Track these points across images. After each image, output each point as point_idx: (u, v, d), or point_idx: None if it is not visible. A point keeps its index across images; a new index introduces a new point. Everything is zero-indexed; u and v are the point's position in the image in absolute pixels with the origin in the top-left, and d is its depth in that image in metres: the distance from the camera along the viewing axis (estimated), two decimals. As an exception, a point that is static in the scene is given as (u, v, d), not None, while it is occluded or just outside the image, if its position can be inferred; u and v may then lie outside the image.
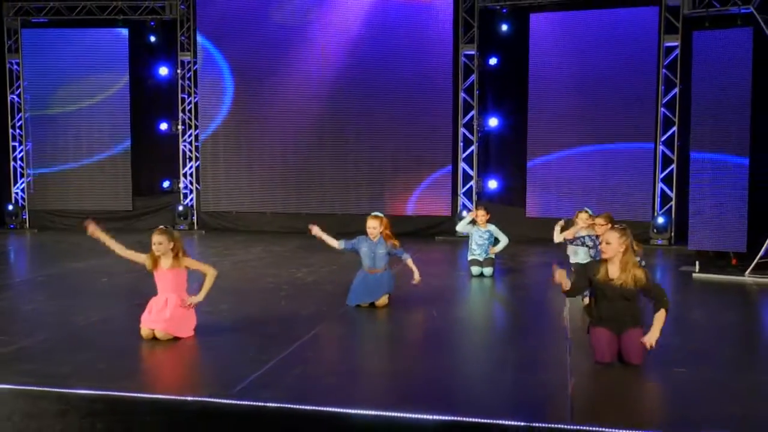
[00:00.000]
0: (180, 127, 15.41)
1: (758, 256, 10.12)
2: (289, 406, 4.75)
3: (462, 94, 14.48)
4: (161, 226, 6.72)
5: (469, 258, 10.01)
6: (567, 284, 5.81)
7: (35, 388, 5.19)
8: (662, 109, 13.22)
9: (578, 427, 4.34)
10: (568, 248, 9.11)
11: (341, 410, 4.65)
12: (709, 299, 8.71)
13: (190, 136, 15.49)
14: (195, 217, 15.46)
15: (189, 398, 4.97)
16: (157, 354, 6.11)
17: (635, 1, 13.21)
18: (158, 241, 6.49)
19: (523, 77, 13.97)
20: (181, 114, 15.43)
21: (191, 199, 15.52)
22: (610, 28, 13.28)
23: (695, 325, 7.37)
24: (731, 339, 6.95)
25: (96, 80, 15.22)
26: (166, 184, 15.64)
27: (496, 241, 10.02)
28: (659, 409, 5.02)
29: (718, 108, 10.63)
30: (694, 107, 11.00)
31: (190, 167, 15.55)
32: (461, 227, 10.27)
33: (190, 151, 15.53)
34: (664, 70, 13.13)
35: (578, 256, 9.08)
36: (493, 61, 14.40)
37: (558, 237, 9.08)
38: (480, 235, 9.94)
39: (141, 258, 6.67)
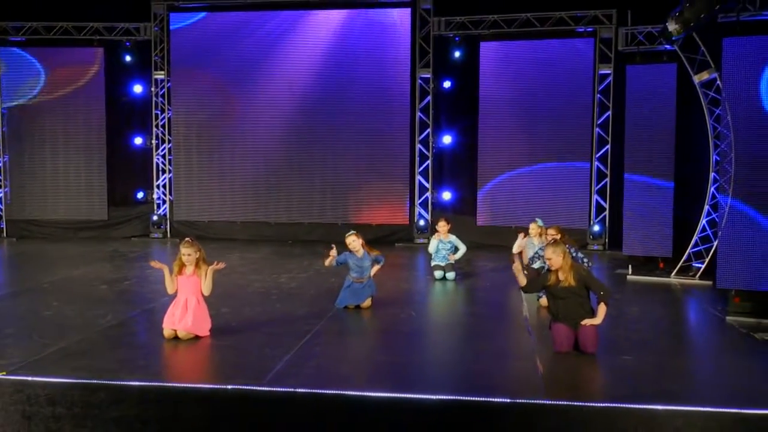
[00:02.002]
0: (154, 141, 16.23)
1: (681, 261, 11.61)
2: (315, 391, 5.88)
3: (418, 114, 15.61)
4: (188, 239, 7.74)
5: (432, 264, 11.21)
6: (522, 280, 7.14)
7: (92, 381, 6.14)
8: (597, 129, 14.73)
9: (551, 402, 5.64)
10: (524, 255, 10.49)
11: (360, 393, 5.81)
12: (642, 298, 10.07)
13: (163, 149, 16.32)
14: (168, 226, 16.29)
15: (229, 387, 6.04)
16: (186, 351, 7.11)
17: (573, 34, 14.68)
18: (188, 252, 7.54)
19: (474, 99, 15.24)
20: (155, 129, 16.25)
21: (164, 209, 16.35)
22: (551, 57, 14.73)
23: (633, 319, 8.74)
24: (663, 330, 8.35)
25: (73, 97, 15.91)
26: (140, 195, 16.42)
27: (456, 249, 11.22)
28: (613, 386, 6.28)
29: (648, 135, 11.88)
30: (628, 134, 12.27)
31: (163, 179, 16.38)
32: (431, 248, 11.27)
33: (163, 163, 16.37)
34: (598, 95, 14.64)
35: (534, 264, 10.50)
36: (446, 84, 15.56)
37: (516, 249, 10.56)
38: (443, 246, 11.12)
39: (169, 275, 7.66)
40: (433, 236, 11.40)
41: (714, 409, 5.52)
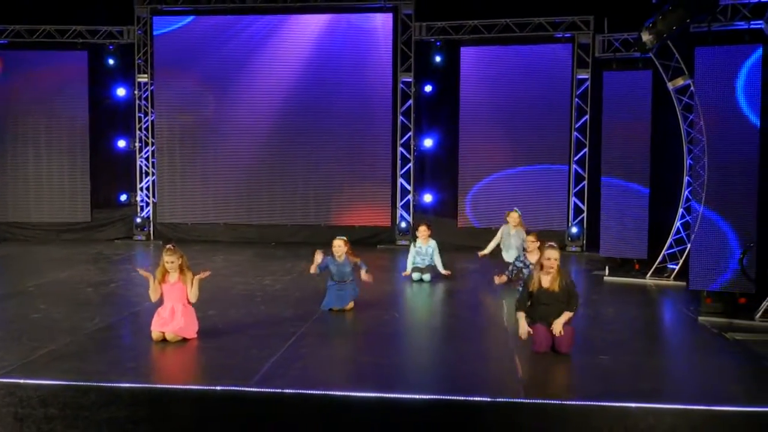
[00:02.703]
0: (137, 144, 16.32)
1: (656, 262, 11.92)
2: (302, 391, 6.06)
3: (400, 117, 15.84)
4: (170, 246, 7.86)
5: (410, 267, 11.42)
6: (524, 329, 7.32)
7: (83, 383, 6.26)
8: (575, 133, 15.04)
9: (530, 401, 5.87)
10: (502, 248, 10.84)
11: (346, 393, 6.01)
12: (618, 298, 10.33)
13: (146, 152, 16.42)
14: (152, 228, 16.38)
15: (217, 388, 6.21)
16: (174, 353, 7.25)
17: (552, 40, 14.97)
18: (170, 260, 7.67)
19: (455, 103, 15.50)
20: (138, 132, 16.34)
21: (148, 212, 16.44)
22: (530, 62, 15.03)
23: (609, 320, 9.00)
24: (637, 330, 8.61)
25: (56, 100, 15.97)
26: (123, 197, 16.50)
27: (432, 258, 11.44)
28: (589, 385, 6.50)
29: (625, 139, 12.16)
30: (604, 138, 12.54)
31: (147, 181, 16.48)
32: (409, 261, 11.52)
33: (147, 166, 16.46)
34: (576, 100, 14.95)
35: (509, 254, 10.85)
36: (428, 88, 15.79)
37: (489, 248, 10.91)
38: (420, 258, 11.34)
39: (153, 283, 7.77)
40: (412, 245, 11.58)
41: (684, 406, 5.77)
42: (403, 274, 11.55)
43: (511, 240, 11.79)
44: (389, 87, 15.67)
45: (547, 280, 7.25)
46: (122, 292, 10.62)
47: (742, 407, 5.81)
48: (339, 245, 9.22)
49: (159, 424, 6.00)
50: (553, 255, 7.23)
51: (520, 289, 7.66)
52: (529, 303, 7.36)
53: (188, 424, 6.05)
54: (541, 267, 7.31)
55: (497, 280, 10.94)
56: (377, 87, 15.67)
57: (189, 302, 7.75)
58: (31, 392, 6.11)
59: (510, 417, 5.83)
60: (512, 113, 15.17)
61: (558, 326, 7.11)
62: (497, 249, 12.01)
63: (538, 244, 9.93)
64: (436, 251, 11.42)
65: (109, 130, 16.42)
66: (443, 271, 11.37)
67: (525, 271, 10.01)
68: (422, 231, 11.47)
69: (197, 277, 7.71)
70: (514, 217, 11.40)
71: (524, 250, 10.89)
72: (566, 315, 7.19)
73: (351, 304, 9.17)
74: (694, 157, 10.69)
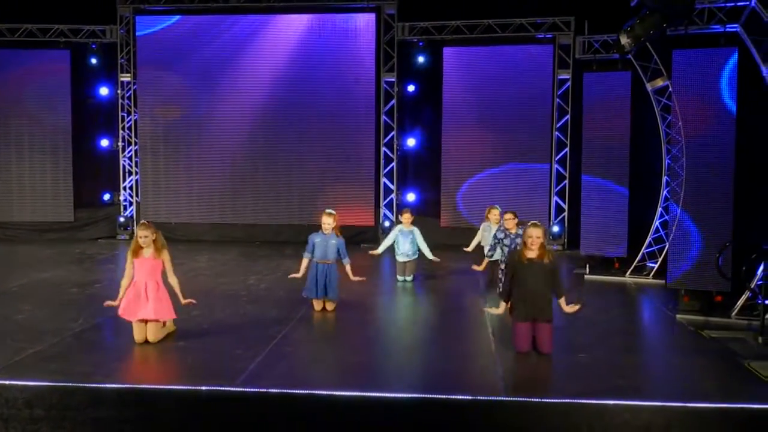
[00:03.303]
0: (120, 143, 16.32)
1: (636, 261, 12.10)
2: (287, 391, 6.14)
3: (383, 117, 15.93)
4: (144, 221, 7.81)
5: (398, 260, 11.43)
6: (502, 307, 7.49)
7: (69, 384, 6.33)
8: (556, 132, 15.21)
9: (511, 399, 5.99)
10: (484, 245, 10.93)
11: (331, 393, 6.10)
12: (598, 297, 10.48)
13: (129, 151, 16.42)
14: (135, 228, 16.32)
15: (203, 388, 6.28)
16: (159, 354, 7.30)
17: (533, 40, 15.13)
18: (144, 234, 7.55)
19: (438, 103, 15.62)
20: (121, 131, 16.33)
21: (131, 211, 16.44)
22: (512, 62, 15.18)
23: (589, 318, 9.05)
24: (616, 329, 8.75)
25: (39, 99, 15.92)
26: (106, 196, 16.48)
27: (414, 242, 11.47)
28: (568, 383, 6.62)
29: (605, 139, 12.31)
30: (585, 138, 12.68)
31: (130, 181, 16.48)
32: (387, 242, 11.59)
33: (130, 165, 16.46)
34: (557, 100, 15.12)
35: (495, 254, 10.91)
36: (411, 87, 15.90)
37: (472, 245, 11.00)
38: (404, 236, 11.37)
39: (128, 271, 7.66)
40: (396, 227, 11.65)
41: (660, 403, 5.91)
42: (371, 252, 11.56)
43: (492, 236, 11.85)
44: (372, 87, 15.75)
45: (531, 254, 7.25)
46: (107, 292, 10.54)
47: (717, 404, 5.96)
48: (328, 222, 9.15)
49: (145, 424, 6.07)
50: (535, 233, 7.19)
51: (502, 276, 7.70)
52: (511, 287, 7.36)
53: (174, 424, 6.12)
54: (525, 246, 7.32)
55: (475, 267, 10.95)
56: (360, 87, 15.75)
57: (162, 280, 7.65)
58: (16, 393, 6.15)
59: (491, 415, 5.95)
60: (494, 113, 15.32)
61: (570, 308, 7.28)
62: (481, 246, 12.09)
63: (516, 221, 10.00)
64: (419, 236, 11.42)
65: (92, 130, 16.40)
66: (432, 257, 11.27)
67: (506, 241, 9.91)
68: (406, 216, 11.55)
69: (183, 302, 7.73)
70: (495, 213, 11.46)
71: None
72: (563, 302, 7.28)
73: (333, 305, 9.19)
74: (673, 157, 10.86)
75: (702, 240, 9.33)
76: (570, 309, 7.29)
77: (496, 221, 11.08)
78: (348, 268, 9.30)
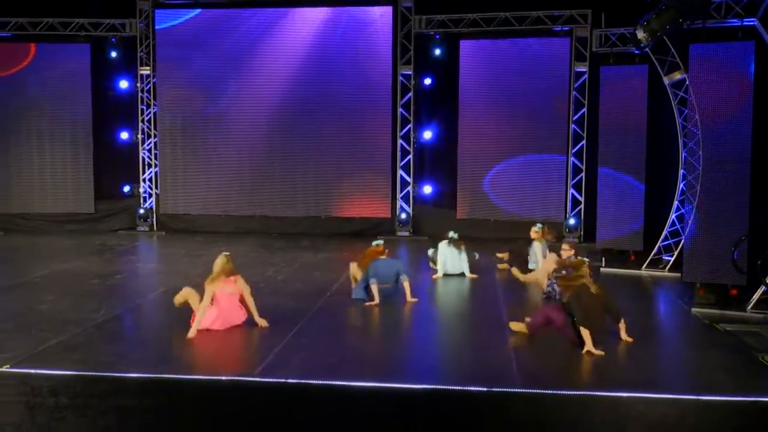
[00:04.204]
0: (140, 136, 16.49)
1: (652, 254, 12.12)
2: (304, 381, 6.27)
3: (400, 110, 15.98)
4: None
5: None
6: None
7: (92, 373, 6.49)
8: (573, 125, 15.20)
9: (526, 390, 6.08)
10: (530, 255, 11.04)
11: (347, 383, 6.21)
12: (614, 289, 10.36)
13: (149, 144, 16.59)
14: (155, 219, 16.57)
15: (223, 377, 6.43)
16: (179, 344, 7.42)
17: (550, 33, 15.12)
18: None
19: (454, 95, 15.64)
20: (140, 124, 16.50)
21: (151, 203, 16.62)
22: (529, 55, 15.17)
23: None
24: (632, 322, 8.69)
25: (60, 92, 16.10)
26: (126, 188, 16.66)
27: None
28: (584, 376, 6.73)
29: (621, 132, 12.33)
30: (601, 130, 12.72)
31: (149, 173, 16.65)
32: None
33: (149, 158, 16.63)
34: (574, 92, 15.10)
35: (536, 262, 11.00)
36: (427, 80, 15.92)
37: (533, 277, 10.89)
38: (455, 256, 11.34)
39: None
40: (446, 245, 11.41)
41: (674, 396, 5.98)
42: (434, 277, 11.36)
43: (536, 250, 11.83)
44: (389, 80, 15.80)
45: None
46: (127, 283, 10.85)
47: (731, 397, 6.02)
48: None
49: (166, 413, 6.20)
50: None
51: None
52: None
53: (194, 412, 6.24)
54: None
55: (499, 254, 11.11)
56: (377, 79, 15.80)
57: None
58: (42, 382, 6.31)
59: (505, 406, 6.03)
60: (511, 106, 15.32)
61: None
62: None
63: (572, 252, 10.02)
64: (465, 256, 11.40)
65: (112, 122, 16.57)
66: (469, 275, 11.25)
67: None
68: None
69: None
70: (534, 232, 11.71)
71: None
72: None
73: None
74: (689, 150, 10.86)
75: (718, 234, 9.33)
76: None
77: (538, 238, 11.34)
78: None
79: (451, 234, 11.41)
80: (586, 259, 8.01)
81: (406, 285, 9.44)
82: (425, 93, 16.08)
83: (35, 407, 6.18)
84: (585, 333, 7.17)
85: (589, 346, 7.12)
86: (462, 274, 11.21)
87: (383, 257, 9.52)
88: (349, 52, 15.81)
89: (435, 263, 11.36)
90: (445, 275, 11.15)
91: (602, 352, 7.12)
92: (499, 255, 11.81)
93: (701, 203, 9.51)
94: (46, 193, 16.45)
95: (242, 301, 8.05)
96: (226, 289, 7.91)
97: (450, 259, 11.28)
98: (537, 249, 11.48)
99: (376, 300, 9.16)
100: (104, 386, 6.36)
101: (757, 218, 9.22)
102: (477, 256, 11.48)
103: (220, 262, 8.01)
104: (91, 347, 7.26)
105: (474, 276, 11.20)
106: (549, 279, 9.68)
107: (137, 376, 6.44)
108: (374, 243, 9.81)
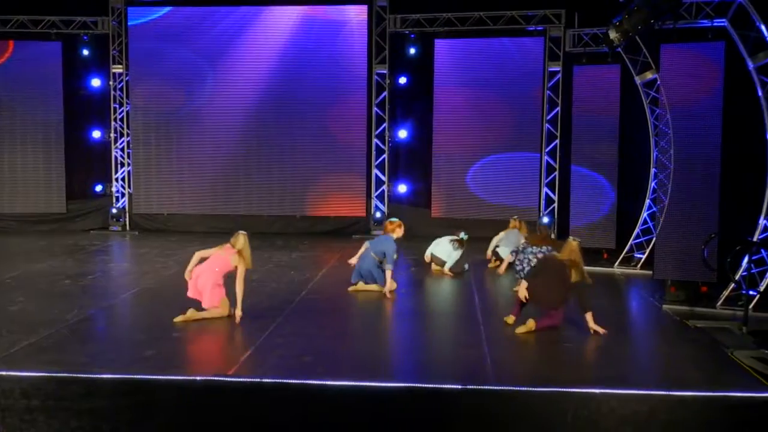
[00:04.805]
0: (112, 134, 16.33)
1: (624, 252, 12.26)
2: (281, 381, 6.25)
3: (375, 109, 15.98)
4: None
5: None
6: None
7: (65, 375, 6.40)
8: (546, 124, 15.31)
9: (500, 387, 6.12)
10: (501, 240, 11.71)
11: (323, 382, 6.21)
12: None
13: (122, 143, 16.44)
14: (128, 219, 16.42)
15: (197, 378, 6.39)
16: (153, 345, 7.34)
17: (524, 33, 15.22)
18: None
19: (429, 94, 15.67)
20: (113, 122, 16.34)
21: (123, 202, 16.47)
22: (503, 54, 15.26)
23: (577, 308, 9.23)
24: (604, 319, 8.78)
25: (30, 90, 15.89)
26: (98, 188, 16.48)
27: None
28: (557, 372, 6.73)
29: (594, 131, 12.50)
30: (575, 130, 12.85)
31: (122, 172, 16.50)
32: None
33: (122, 157, 16.48)
34: (548, 92, 15.21)
35: (505, 250, 11.19)
36: (402, 80, 15.93)
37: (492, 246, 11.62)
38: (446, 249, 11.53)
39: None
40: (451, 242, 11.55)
41: (645, 391, 6.05)
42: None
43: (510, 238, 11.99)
44: (364, 79, 15.79)
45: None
46: (100, 283, 10.73)
47: (701, 392, 6.10)
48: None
49: (140, 414, 6.17)
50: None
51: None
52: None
53: (169, 413, 6.22)
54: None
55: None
56: (352, 78, 15.78)
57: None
58: (12, 384, 6.23)
59: (480, 403, 6.07)
60: (485, 105, 15.39)
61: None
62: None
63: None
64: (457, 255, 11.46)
65: (84, 121, 16.38)
66: (448, 273, 11.33)
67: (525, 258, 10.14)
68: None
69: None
70: (513, 222, 12.14)
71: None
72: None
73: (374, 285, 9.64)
74: (661, 149, 11.01)
75: (688, 231, 9.46)
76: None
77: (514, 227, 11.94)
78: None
79: (462, 235, 11.51)
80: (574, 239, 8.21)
81: (388, 274, 9.48)
82: (400, 92, 16.11)
83: (6, 410, 6.13)
84: (521, 287, 7.85)
85: (521, 292, 7.79)
86: (442, 265, 11.40)
87: (385, 234, 9.72)
88: (324, 51, 15.78)
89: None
90: (432, 262, 11.56)
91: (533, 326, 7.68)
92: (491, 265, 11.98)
93: (672, 201, 9.64)
94: (17, 192, 16.21)
95: (219, 285, 8.24)
96: (221, 255, 8.26)
97: (441, 246, 11.47)
98: (511, 235, 11.63)
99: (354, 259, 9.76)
100: (77, 388, 6.28)
101: (727, 216, 9.37)
102: (467, 267, 11.53)
103: (242, 240, 8.30)
104: (63, 348, 7.18)
105: (450, 273, 11.26)
106: (516, 255, 10.13)
107: (110, 377, 6.37)
108: (389, 219, 10.26)
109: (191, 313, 8.10)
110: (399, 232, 9.90)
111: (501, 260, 11.38)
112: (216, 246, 8.40)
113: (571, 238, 8.41)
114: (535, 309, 7.94)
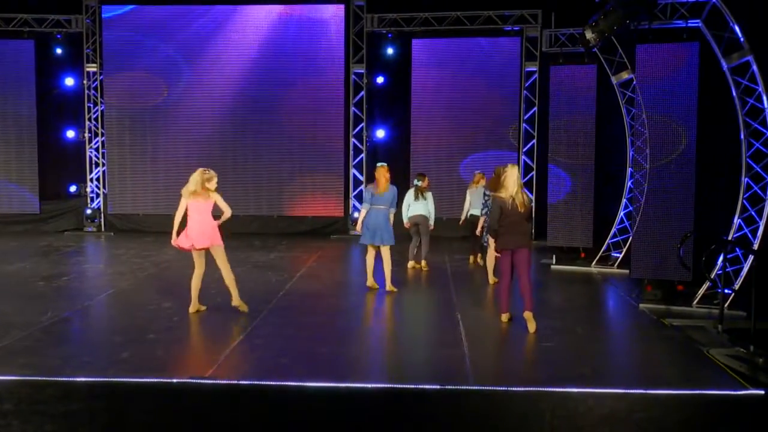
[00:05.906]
0: (86, 134, 16.15)
1: (601, 251, 12.33)
2: (258, 382, 6.20)
3: (352, 108, 15.99)
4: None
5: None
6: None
7: (40, 378, 6.31)
8: (524, 124, 15.38)
9: (478, 387, 6.11)
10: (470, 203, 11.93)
11: (301, 383, 6.17)
12: (564, 286, 10.72)
13: (96, 143, 16.26)
14: (102, 220, 16.24)
15: (174, 380, 6.31)
16: (130, 347, 7.28)
17: (501, 33, 15.28)
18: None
19: (407, 94, 15.72)
20: (87, 122, 16.16)
21: (98, 203, 16.30)
22: (480, 54, 15.33)
23: (555, 308, 9.32)
24: (582, 318, 8.90)
25: (2, 89, 15.70)
26: (72, 188, 16.32)
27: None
28: (535, 372, 6.79)
29: (571, 131, 12.54)
30: (552, 130, 12.89)
31: (97, 172, 16.33)
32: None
33: (97, 157, 16.31)
34: (525, 92, 15.28)
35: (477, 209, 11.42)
36: (380, 79, 15.99)
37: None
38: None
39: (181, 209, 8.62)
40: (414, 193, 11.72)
41: (622, 390, 6.08)
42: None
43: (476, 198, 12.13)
44: (341, 78, 15.79)
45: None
46: (75, 284, 10.60)
47: (677, 390, 6.13)
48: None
49: (116, 417, 6.08)
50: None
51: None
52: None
53: (145, 416, 6.14)
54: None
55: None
56: (330, 78, 15.78)
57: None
58: (-15, 388, 6.13)
59: (458, 403, 6.07)
60: (462, 104, 15.46)
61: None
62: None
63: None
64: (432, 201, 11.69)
65: (57, 121, 16.25)
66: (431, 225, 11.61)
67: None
68: (425, 181, 11.69)
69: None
70: (477, 176, 12.22)
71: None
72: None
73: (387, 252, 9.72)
74: (637, 148, 11.07)
75: (665, 231, 9.54)
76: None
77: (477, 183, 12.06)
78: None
79: (416, 182, 11.64)
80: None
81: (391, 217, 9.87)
82: (378, 92, 16.14)
83: (-22, 414, 6.02)
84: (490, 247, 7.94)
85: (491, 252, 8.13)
86: (427, 221, 11.65)
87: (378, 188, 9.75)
88: (302, 51, 15.75)
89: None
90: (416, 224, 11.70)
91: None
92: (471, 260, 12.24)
93: (648, 201, 9.71)
94: (-11, 193, 16.04)
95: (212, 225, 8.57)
96: (198, 200, 8.51)
97: (414, 206, 11.65)
98: (476, 194, 11.90)
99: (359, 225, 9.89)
100: (51, 391, 6.18)
101: (702, 215, 9.45)
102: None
103: (196, 177, 8.51)
104: (37, 351, 7.07)
105: (427, 269, 11.31)
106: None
107: (86, 380, 6.28)
108: (378, 164, 10.10)
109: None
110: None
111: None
112: (182, 199, 8.69)
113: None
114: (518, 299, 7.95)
